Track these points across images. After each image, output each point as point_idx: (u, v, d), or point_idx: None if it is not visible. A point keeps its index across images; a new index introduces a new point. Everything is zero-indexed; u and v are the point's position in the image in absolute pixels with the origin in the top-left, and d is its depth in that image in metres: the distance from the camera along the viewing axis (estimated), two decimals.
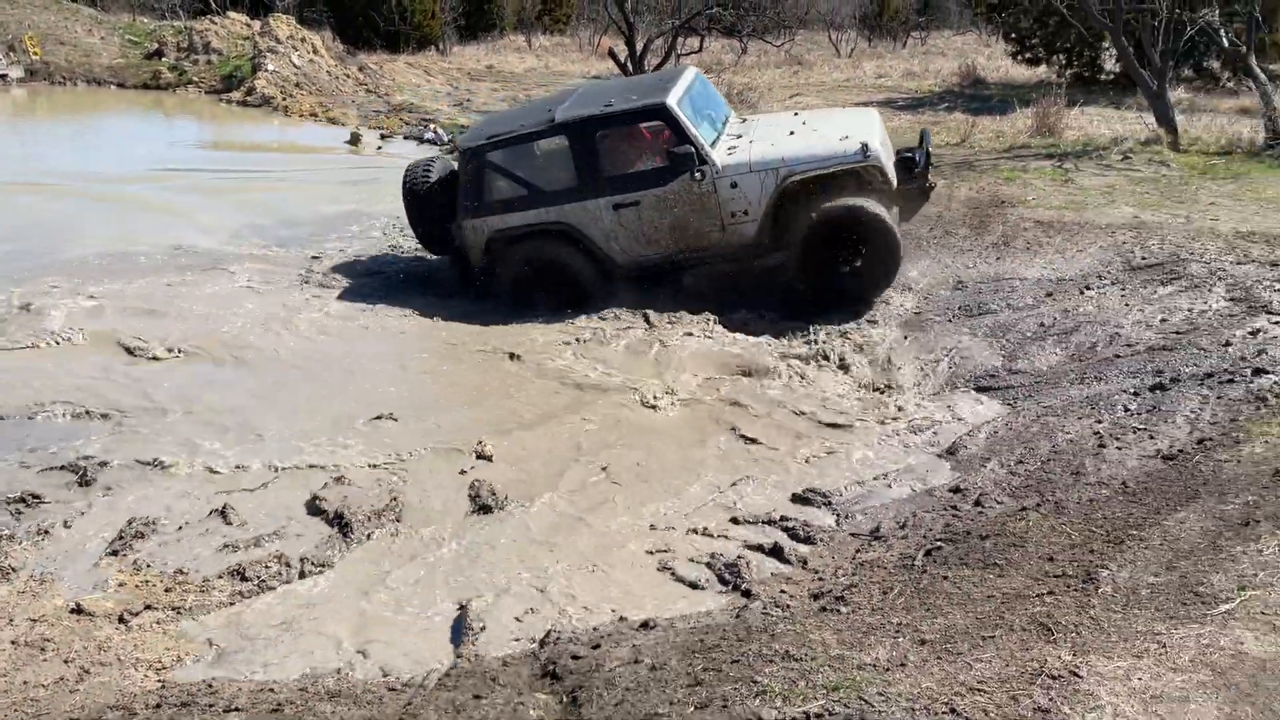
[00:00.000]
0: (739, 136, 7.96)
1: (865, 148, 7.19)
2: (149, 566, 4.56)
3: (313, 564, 4.57)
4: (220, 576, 4.48)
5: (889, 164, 7.41)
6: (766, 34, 29.23)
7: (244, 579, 4.44)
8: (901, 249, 7.41)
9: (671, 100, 7.42)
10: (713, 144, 7.64)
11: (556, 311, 7.68)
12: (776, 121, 8.41)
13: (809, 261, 7.38)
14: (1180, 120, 12.38)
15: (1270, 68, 16.53)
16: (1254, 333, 5.94)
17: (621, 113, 7.54)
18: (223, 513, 4.94)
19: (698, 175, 7.39)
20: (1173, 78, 14.62)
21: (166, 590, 4.40)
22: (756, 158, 7.44)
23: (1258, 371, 5.37)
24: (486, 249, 7.86)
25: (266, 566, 4.51)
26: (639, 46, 21.91)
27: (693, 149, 7.35)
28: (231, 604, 4.33)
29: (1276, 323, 6.03)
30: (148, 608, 4.25)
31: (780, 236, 7.52)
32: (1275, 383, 5.19)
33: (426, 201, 8.19)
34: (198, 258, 9.18)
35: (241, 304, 7.95)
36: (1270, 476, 4.18)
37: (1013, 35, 22.09)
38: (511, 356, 6.96)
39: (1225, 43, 13.17)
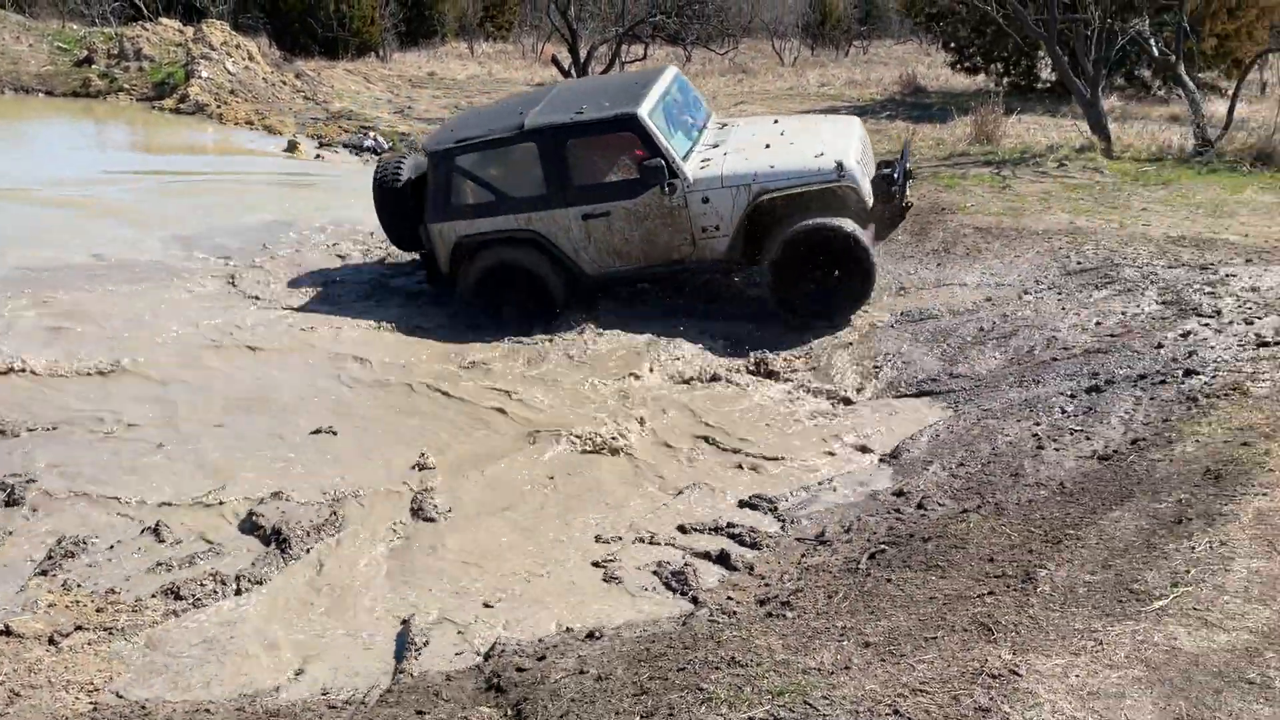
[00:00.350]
0: (714, 146, 7.74)
1: (840, 167, 7.03)
2: (79, 586, 4.43)
3: (249, 581, 4.47)
4: (153, 596, 4.36)
5: (864, 184, 7.22)
6: (710, 42, 29.43)
7: (178, 598, 4.33)
8: (876, 268, 7.25)
9: (643, 111, 7.22)
10: (686, 155, 7.46)
11: (521, 322, 7.54)
12: (755, 130, 8.12)
13: (782, 280, 7.21)
14: (1113, 128, 12.66)
15: (1199, 76, 17.01)
16: (1185, 335, 6.08)
17: (591, 122, 7.30)
18: (155, 531, 4.82)
19: (668, 189, 7.20)
20: (1105, 86, 14.96)
21: (98, 610, 4.27)
22: (729, 172, 7.26)
23: (1189, 372, 5.49)
24: (453, 254, 7.73)
25: (201, 585, 4.40)
26: (582, 54, 21.93)
27: (663, 162, 7.15)
28: (165, 623, 4.22)
29: (1206, 325, 6.18)
30: (79, 628, 4.13)
31: (753, 252, 7.38)
32: (1205, 383, 5.32)
33: (397, 201, 8.01)
34: (122, 268, 8.94)
35: (170, 314, 7.76)
36: (1201, 475, 4.28)
37: (951, 45, 22.45)
38: (466, 366, 6.89)
39: (1155, 52, 13.52)
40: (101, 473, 5.40)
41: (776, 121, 8.36)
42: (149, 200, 11.79)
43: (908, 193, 7.77)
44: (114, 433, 5.89)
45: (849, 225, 7.05)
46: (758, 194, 7.17)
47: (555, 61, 21.71)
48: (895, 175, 7.63)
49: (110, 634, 4.11)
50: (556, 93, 8.27)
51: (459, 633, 4.10)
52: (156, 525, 4.84)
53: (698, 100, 8.56)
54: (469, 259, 7.69)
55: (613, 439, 5.81)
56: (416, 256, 8.45)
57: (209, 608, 4.32)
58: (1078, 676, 3.05)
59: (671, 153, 7.26)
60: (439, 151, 7.63)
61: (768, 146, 7.51)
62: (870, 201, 7.26)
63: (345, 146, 15.84)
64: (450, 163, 7.58)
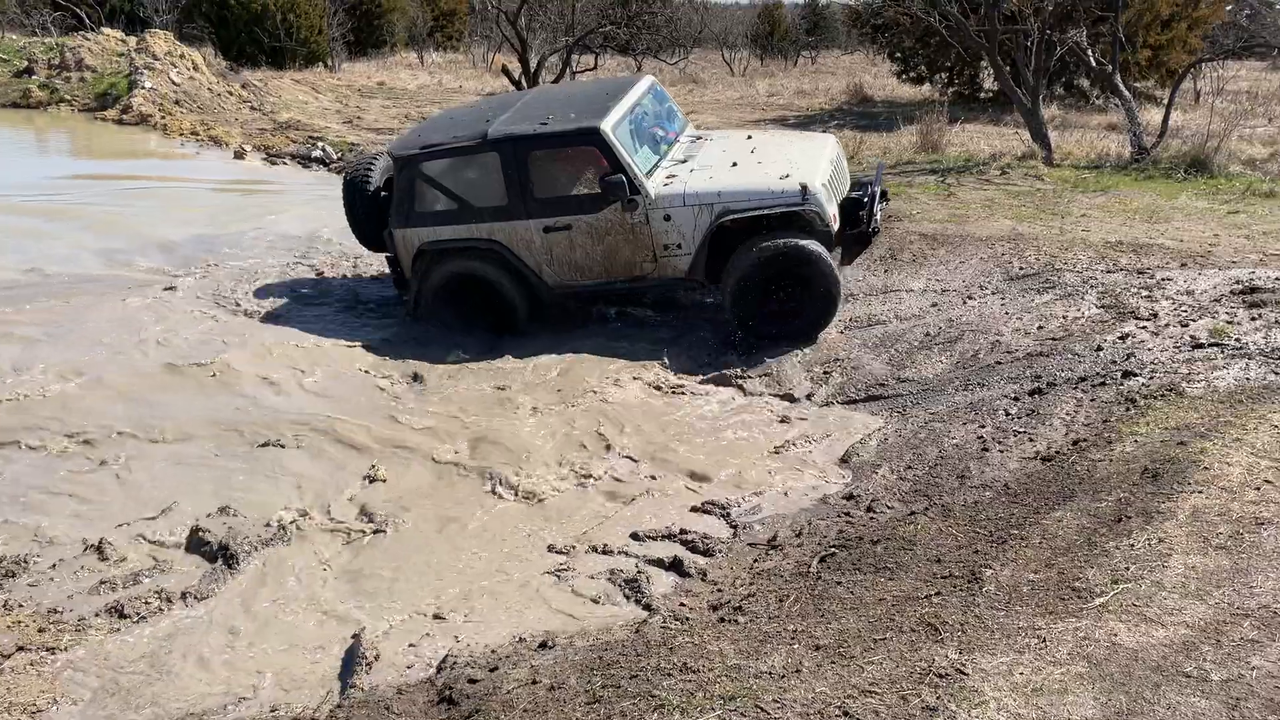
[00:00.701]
0: (683, 162, 7.65)
1: (805, 190, 6.95)
2: (20, 606, 4.34)
3: (195, 598, 4.41)
4: (97, 615, 4.29)
5: (830, 208, 7.12)
6: (661, 52, 29.61)
7: (122, 616, 4.26)
8: (841, 289, 7.18)
9: (606, 125, 7.12)
10: (651, 170, 7.38)
11: (479, 334, 7.50)
12: (726, 146, 7.97)
13: (744, 301, 7.13)
14: (1053, 136, 12.92)
15: (1135, 85, 17.44)
16: (1123, 337, 6.23)
17: (554, 134, 7.21)
18: (99, 549, 4.73)
19: (630, 205, 7.12)
20: (1046, 95, 15.28)
21: (40, 630, 4.19)
22: (692, 191, 7.17)
23: (1127, 374, 5.62)
24: (415, 261, 7.66)
25: (146, 603, 4.33)
26: (533, 64, 21.93)
27: (625, 178, 7.06)
28: (109, 643, 4.14)
29: (1143, 328, 6.33)
30: (20, 649, 4.05)
31: (715, 271, 7.29)
32: (1143, 384, 5.45)
33: (367, 203, 7.94)
34: (57, 281, 8.78)
35: (109, 328, 7.64)
36: (1140, 474, 4.38)
37: (897, 55, 22.81)
38: (415, 377, 6.86)
39: (1093, 62, 13.83)
40: (41, 491, 5.29)
41: (750, 138, 8.26)
42: (88, 210, 11.59)
43: (877, 216, 7.71)
44: (59, 450, 5.77)
45: (813, 246, 6.98)
46: (720, 214, 7.10)
47: (506, 71, 21.68)
48: (864, 199, 7.57)
49: (53, 654, 4.03)
50: (527, 100, 8.19)
51: (410, 645, 4.07)
52: (100, 543, 4.75)
53: (673, 111, 8.49)
54: (430, 267, 7.63)
55: (563, 446, 5.82)
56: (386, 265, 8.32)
57: (154, 626, 4.25)
58: (1022, 674, 3.11)
59: (634, 168, 7.17)
60: (404, 156, 7.55)
61: (734, 165, 7.44)
62: (836, 225, 7.19)
63: (293, 157, 15.69)
64: (415, 168, 7.51)
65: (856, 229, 7.53)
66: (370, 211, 7.95)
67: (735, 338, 7.29)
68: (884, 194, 8.16)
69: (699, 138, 8.34)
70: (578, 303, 7.85)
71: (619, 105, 7.45)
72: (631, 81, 8.14)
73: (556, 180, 7.37)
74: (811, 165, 7.33)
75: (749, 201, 7.07)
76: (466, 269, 7.56)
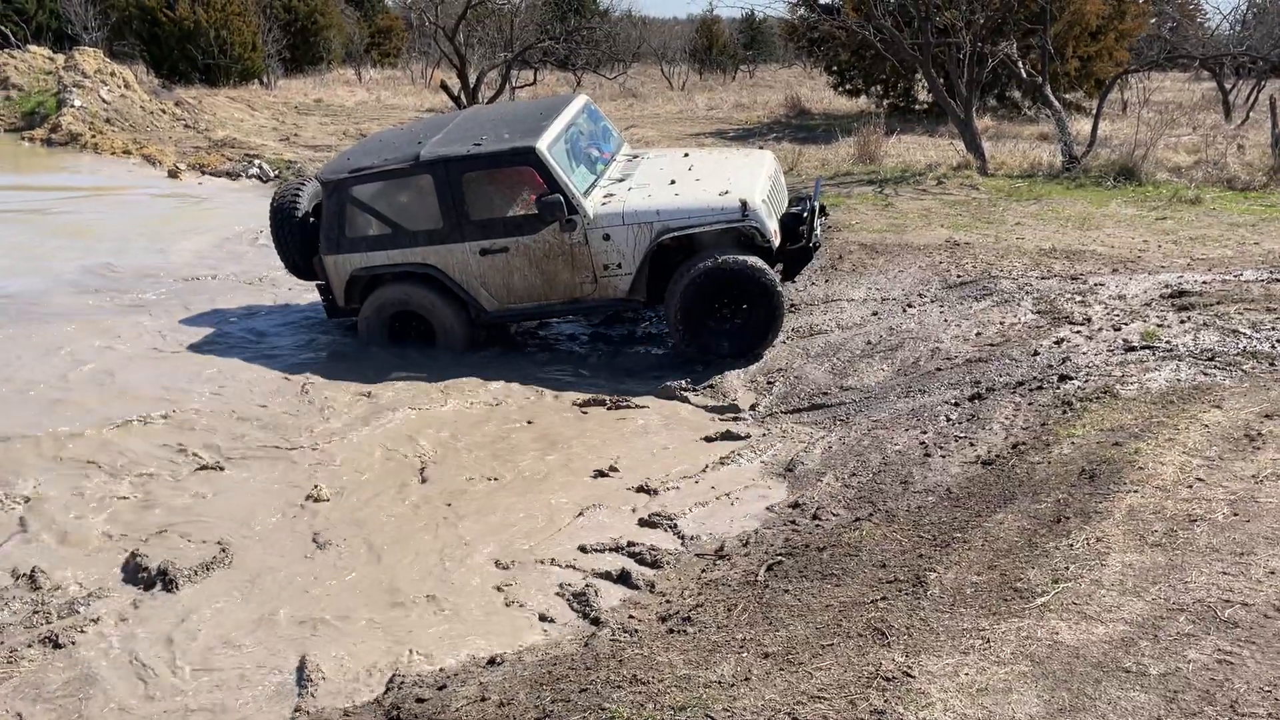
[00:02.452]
0: (620, 181, 7.59)
1: (745, 206, 6.95)
2: None
3: (134, 625, 4.28)
4: (30, 646, 4.15)
5: (770, 223, 7.09)
6: (600, 67, 29.71)
7: (57, 646, 4.13)
8: (785, 304, 7.21)
9: (542, 144, 7.03)
10: (589, 189, 7.31)
11: (420, 357, 7.40)
12: (663, 164, 7.94)
13: (687, 319, 7.09)
14: (987, 146, 13.20)
15: (1064, 96, 17.88)
16: (1059, 342, 6.36)
17: (488, 154, 7.10)
18: (31, 577, 4.59)
19: (568, 225, 7.05)
20: (979, 107, 15.61)
21: None
22: (630, 209, 7.11)
23: (1063, 378, 5.74)
24: (348, 288, 7.52)
25: (82, 632, 4.21)
26: (472, 79, 21.87)
27: (562, 198, 6.97)
28: (44, 673, 4.01)
29: (1078, 332, 6.47)
30: None
31: (656, 291, 7.26)
32: (1079, 387, 5.57)
33: (295, 229, 7.75)
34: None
35: (38, 353, 7.45)
36: (1078, 475, 4.47)
37: (833, 68, 23.14)
38: (369, 395, 6.78)
39: (1024, 74, 14.17)
40: None
41: (687, 155, 8.23)
42: (10, 235, 11.30)
43: (818, 231, 7.72)
44: None
45: (756, 262, 6.96)
46: (660, 232, 7.06)
47: (445, 87, 21.59)
48: (804, 214, 7.58)
49: None
50: (459, 121, 8.08)
51: (356, 667, 4.01)
52: (33, 572, 4.61)
53: (608, 130, 8.44)
54: (364, 294, 7.52)
55: (510, 460, 5.78)
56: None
57: (91, 654, 4.13)
58: (967, 674, 3.15)
59: (571, 188, 7.10)
60: (333, 181, 7.39)
61: (673, 183, 7.40)
62: (776, 241, 7.18)
63: (229, 175, 15.45)
64: (345, 193, 7.35)
65: (797, 244, 7.54)
66: (299, 238, 7.77)
67: (680, 355, 7.28)
68: (823, 209, 8.20)
69: (635, 156, 8.30)
70: (516, 325, 7.77)
71: (554, 124, 7.37)
72: (566, 100, 8.08)
73: (492, 202, 7.26)
74: (750, 181, 7.32)
75: (689, 219, 7.05)
76: (402, 295, 7.45)
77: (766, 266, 7.04)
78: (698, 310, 7.09)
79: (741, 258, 6.97)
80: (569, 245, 7.16)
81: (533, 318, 7.72)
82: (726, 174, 7.51)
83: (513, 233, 7.21)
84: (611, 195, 7.35)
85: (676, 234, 7.07)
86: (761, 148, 11.15)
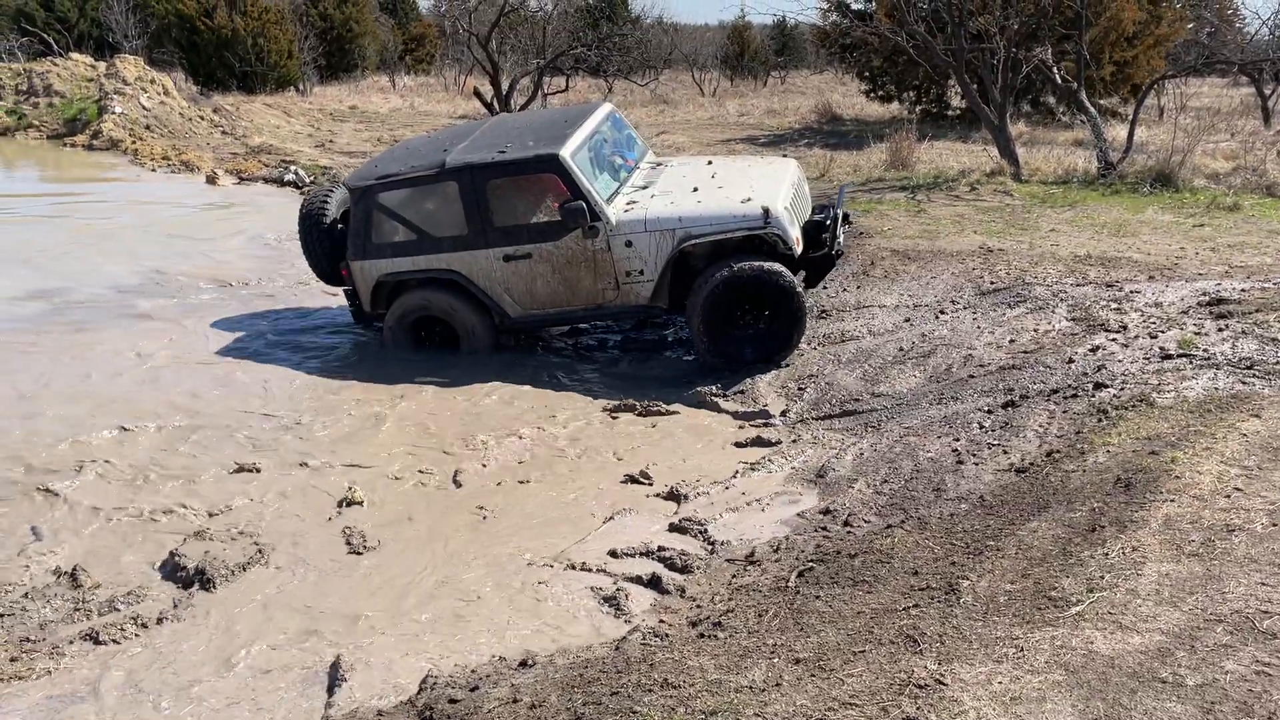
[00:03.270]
0: (643, 188, 7.60)
1: (767, 213, 6.91)
2: None
3: (172, 623, 4.35)
4: (71, 642, 4.23)
5: (792, 231, 7.04)
6: (632, 74, 29.80)
7: (97, 643, 4.20)
8: (806, 311, 7.15)
9: (565, 152, 7.07)
10: (611, 196, 7.33)
11: (449, 362, 7.47)
12: (686, 171, 7.96)
13: (710, 326, 7.07)
14: (1021, 152, 13.11)
15: (1100, 102, 17.71)
16: (1094, 349, 6.31)
17: (512, 161, 7.15)
18: (73, 575, 4.67)
19: (590, 231, 7.08)
20: (1013, 113, 15.50)
21: (11, 660, 4.13)
22: (653, 216, 7.11)
23: (1098, 386, 5.69)
24: (374, 293, 7.61)
25: (122, 629, 4.28)
26: (504, 86, 22.01)
27: (585, 204, 7.00)
28: (84, 671, 4.09)
29: (1114, 340, 6.42)
30: None
31: (679, 297, 7.25)
32: (1114, 395, 5.52)
33: (323, 236, 7.88)
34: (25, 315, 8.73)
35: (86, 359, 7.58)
36: (1113, 484, 4.43)
37: (865, 74, 23.07)
38: (398, 399, 6.83)
39: (1058, 79, 14.06)
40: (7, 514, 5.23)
41: (710, 163, 8.23)
42: (58, 239, 11.51)
43: (840, 239, 7.69)
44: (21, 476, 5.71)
45: (778, 268, 6.95)
46: (682, 239, 7.06)
47: (478, 94, 21.76)
48: (826, 221, 7.55)
49: (25, 683, 3.97)
50: (485, 129, 8.14)
51: (390, 667, 4.04)
52: (74, 570, 4.70)
53: (632, 139, 8.46)
54: (390, 299, 7.61)
55: (542, 465, 5.81)
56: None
57: (129, 653, 4.20)
58: (1001, 683, 3.13)
59: (594, 195, 7.12)
60: (361, 188, 7.48)
61: (695, 190, 7.39)
62: (799, 249, 7.15)
63: (266, 180, 15.65)
64: (372, 199, 7.43)
65: (820, 251, 7.50)
66: (327, 244, 7.90)
67: (714, 365, 7.25)
68: (846, 217, 8.18)
69: (660, 164, 8.31)
70: (540, 331, 7.80)
71: (578, 132, 7.42)
72: (591, 109, 8.13)
73: (516, 208, 7.32)
74: (773, 189, 7.30)
75: (711, 226, 7.05)
76: (426, 300, 7.53)
77: (786, 271, 7.01)
78: (719, 318, 7.09)
79: (760, 264, 6.96)
80: (591, 252, 7.19)
81: (555, 324, 7.75)
82: (749, 181, 7.50)
83: (536, 239, 7.25)
84: (634, 202, 7.36)
85: (698, 241, 7.07)
86: (785, 155, 11.14)
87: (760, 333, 7.19)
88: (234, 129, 20.24)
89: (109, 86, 20.12)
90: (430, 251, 7.42)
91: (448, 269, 7.40)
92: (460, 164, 7.23)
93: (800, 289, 7.08)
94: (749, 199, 7.12)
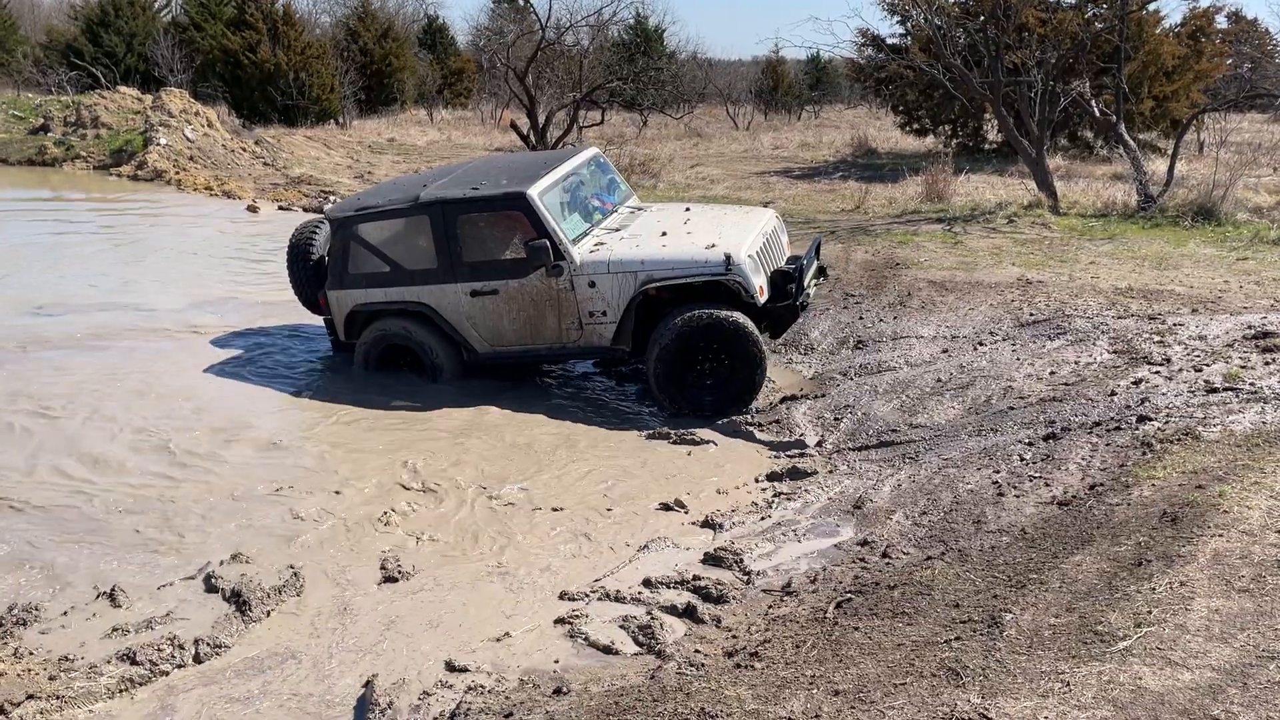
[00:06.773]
0: (615, 230, 7.62)
1: (729, 260, 6.86)
2: (31, 654, 4.29)
3: (209, 645, 4.36)
4: (109, 662, 4.24)
5: (755, 279, 6.97)
6: (666, 107, 30.02)
7: (134, 663, 4.21)
8: (766, 362, 7.07)
9: (534, 191, 7.15)
10: (579, 237, 7.35)
11: (490, 388, 7.49)
12: (662, 217, 7.95)
13: (666, 371, 7.02)
14: (1059, 185, 13.04)
15: (1139, 136, 17.60)
16: (1136, 382, 6.22)
17: (483, 198, 7.27)
18: (111, 595, 4.70)
19: (554, 270, 7.12)
20: (1050, 146, 15.44)
21: (50, 678, 4.15)
22: (616, 258, 7.14)
23: (1142, 419, 5.60)
24: (348, 322, 7.75)
25: (159, 650, 4.29)
26: (540, 119, 22.23)
27: (549, 243, 7.06)
28: (121, 691, 4.10)
29: (1157, 372, 6.32)
30: (30, 697, 3.99)
31: (641, 341, 7.22)
32: (1159, 429, 5.42)
33: (309, 266, 8.08)
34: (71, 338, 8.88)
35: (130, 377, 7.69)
36: (1159, 518, 4.34)
37: (901, 108, 23.09)
38: (427, 424, 6.85)
39: (1096, 113, 13.98)
40: (55, 537, 5.28)
41: (688, 209, 8.21)
42: (114, 264, 11.72)
43: (809, 290, 7.58)
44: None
45: (735, 317, 6.89)
46: (644, 281, 7.06)
47: (514, 127, 21.99)
48: (794, 272, 7.41)
49: (63, 703, 3.99)
50: (469, 167, 8.38)
51: (424, 694, 4.02)
52: (112, 590, 4.73)
53: (614, 183, 8.52)
54: (362, 329, 7.73)
55: (576, 493, 5.80)
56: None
57: (168, 675, 4.20)
58: (1047, 718, 3.06)
59: (560, 234, 7.16)
60: (340, 219, 7.67)
61: (664, 234, 7.40)
62: (762, 298, 7.06)
63: (306, 210, 15.88)
64: (349, 230, 7.60)
65: (784, 301, 7.35)
66: (311, 274, 8.08)
67: (672, 409, 7.16)
68: (823, 270, 8.12)
69: (639, 209, 8.33)
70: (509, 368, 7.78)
71: (551, 173, 7.53)
72: (574, 152, 8.32)
73: (485, 245, 7.41)
74: (739, 236, 7.26)
75: (672, 270, 7.04)
76: (397, 331, 7.62)
77: (743, 318, 6.93)
78: (676, 364, 7.03)
79: (720, 312, 6.90)
80: (556, 291, 7.22)
81: (521, 361, 7.70)
82: (719, 229, 7.47)
83: (503, 275, 7.31)
84: (602, 244, 7.38)
85: (660, 284, 7.07)
86: (821, 187, 11.12)
87: (721, 380, 7.12)
88: (275, 160, 20.58)
89: (155, 119, 20.54)
90: (402, 284, 7.53)
91: (417, 301, 7.50)
92: (433, 199, 7.36)
93: (756, 336, 6.99)
94: (713, 245, 7.09)
